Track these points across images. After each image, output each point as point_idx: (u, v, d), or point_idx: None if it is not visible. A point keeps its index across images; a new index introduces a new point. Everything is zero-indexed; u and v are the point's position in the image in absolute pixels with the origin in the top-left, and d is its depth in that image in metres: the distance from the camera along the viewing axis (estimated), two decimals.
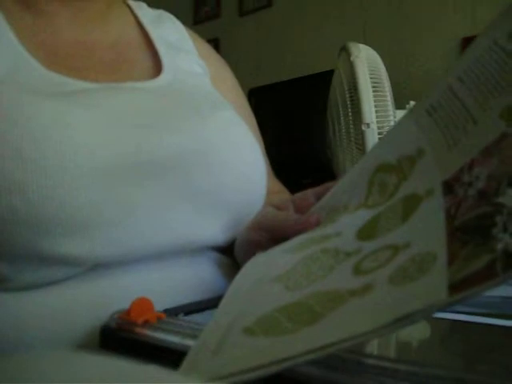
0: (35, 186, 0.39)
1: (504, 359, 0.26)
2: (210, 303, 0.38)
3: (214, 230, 0.48)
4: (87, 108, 0.44)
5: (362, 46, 1.21)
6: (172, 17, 0.67)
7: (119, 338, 0.32)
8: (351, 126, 1.19)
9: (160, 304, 0.36)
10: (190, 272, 0.47)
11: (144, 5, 0.65)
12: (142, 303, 0.33)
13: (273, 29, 2.60)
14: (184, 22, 0.69)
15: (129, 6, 0.63)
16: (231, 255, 0.52)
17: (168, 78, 0.55)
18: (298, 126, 2.19)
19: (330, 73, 1.36)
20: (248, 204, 0.51)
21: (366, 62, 1.16)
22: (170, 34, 0.63)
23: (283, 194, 0.69)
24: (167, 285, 0.44)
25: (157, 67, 0.57)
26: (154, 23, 0.62)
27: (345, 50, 1.22)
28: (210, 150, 0.47)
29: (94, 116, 0.43)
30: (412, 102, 1.44)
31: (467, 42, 1.99)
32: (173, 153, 0.45)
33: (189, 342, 0.29)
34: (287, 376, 0.24)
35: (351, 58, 1.17)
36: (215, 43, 2.82)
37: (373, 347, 0.31)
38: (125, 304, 0.33)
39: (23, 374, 0.26)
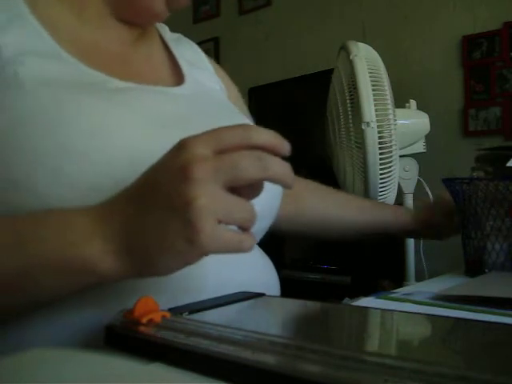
0: (84, 177, 0.42)
1: (506, 357, 0.26)
2: (215, 302, 0.38)
3: None
4: (128, 109, 0.48)
5: (361, 44, 1.21)
6: (189, 40, 0.73)
7: (124, 336, 0.32)
8: (351, 125, 1.19)
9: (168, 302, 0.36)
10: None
11: (166, 27, 0.71)
12: (147, 302, 0.33)
13: (272, 28, 2.60)
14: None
15: (155, 27, 0.68)
16: None
17: (189, 88, 0.60)
18: (297, 125, 2.19)
19: (330, 72, 1.36)
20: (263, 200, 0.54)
21: (366, 60, 1.16)
22: (188, 53, 0.68)
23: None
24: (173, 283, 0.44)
25: (179, 80, 0.61)
26: (174, 42, 0.68)
27: (344, 49, 1.22)
28: None
29: (134, 116, 0.47)
30: (412, 101, 1.44)
31: (467, 40, 1.99)
32: None
33: (193, 341, 0.29)
34: (290, 375, 0.24)
35: (351, 57, 1.17)
36: (215, 42, 2.81)
37: (376, 345, 0.31)
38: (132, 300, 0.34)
39: (25, 373, 0.26)
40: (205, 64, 0.70)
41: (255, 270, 0.52)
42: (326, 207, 0.80)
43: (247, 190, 0.36)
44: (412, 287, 0.65)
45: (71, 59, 0.50)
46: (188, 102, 0.57)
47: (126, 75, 0.53)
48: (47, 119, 0.43)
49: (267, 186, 0.37)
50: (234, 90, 0.76)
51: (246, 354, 0.27)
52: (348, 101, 1.20)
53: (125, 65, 0.56)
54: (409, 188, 1.43)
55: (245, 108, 0.77)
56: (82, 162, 0.42)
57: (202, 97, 0.60)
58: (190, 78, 0.61)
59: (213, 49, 2.76)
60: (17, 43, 0.48)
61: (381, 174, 1.10)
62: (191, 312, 0.35)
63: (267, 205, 0.56)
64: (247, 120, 0.63)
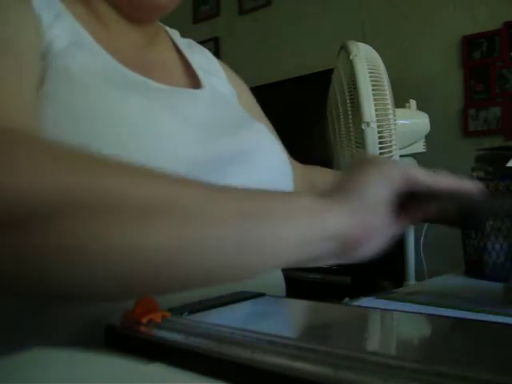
0: None
1: (506, 357, 0.26)
2: (215, 302, 0.38)
3: None
4: (171, 111, 0.50)
5: (361, 44, 1.21)
6: (199, 45, 0.73)
7: (124, 336, 0.32)
8: (351, 125, 1.19)
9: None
10: None
11: (177, 33, 0.71)
12: (147, 302, 0.33)
13: (272, 28, 2.60)
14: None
15: (166, 32, 0.69)
16: None
17: (209, 93, 0.61)
18: (297, 125, 2.19)
19: (330, 72, 1.36)
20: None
21: (366, 60, 1.16)
22: (200, 59, 0.69)
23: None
24: None
25: (195, 85, 0.62)
26: (187, 48, 0.68)
27: (344, 49, 1.22)
28: (252, 150, 0.55)
29: (176, 118, 0.50)
30: (412, 101, 1.44)
31: (467, 40, 1.99)
32: (226, 152, 0.51)
33: (193, 341, 0.29)
34: (290, 375, 0.24)
35: (351, 57, 1.17)
36: (215, 42, 2.81)
37: (376, 345, 0.31)
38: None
39: (25, 373, 0.26)
40: (217, 69, 0.71)
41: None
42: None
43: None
44: (412, 287, 0.65)
45: (112, 60, 0.51)
46: (212, 105, 0.58)
47: (154, 79, 0.54)
48: (95, 115, 0.43)
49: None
50: (245, 89, 0.76)
51: (246, 354, 0.27)
52: (348, 101, 1.20)
53: (146, 69, 0.56)
54: None
55: (257, 108, 0.77)
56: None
57: (219, 102, 0.62)
58: (206, 83, 0.62)
59: (213, 49, 2.76)
60: (65, 37, 0.49)
61: None
62: (191, 312, 0.35)
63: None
64: (255, 123, 0.63)
